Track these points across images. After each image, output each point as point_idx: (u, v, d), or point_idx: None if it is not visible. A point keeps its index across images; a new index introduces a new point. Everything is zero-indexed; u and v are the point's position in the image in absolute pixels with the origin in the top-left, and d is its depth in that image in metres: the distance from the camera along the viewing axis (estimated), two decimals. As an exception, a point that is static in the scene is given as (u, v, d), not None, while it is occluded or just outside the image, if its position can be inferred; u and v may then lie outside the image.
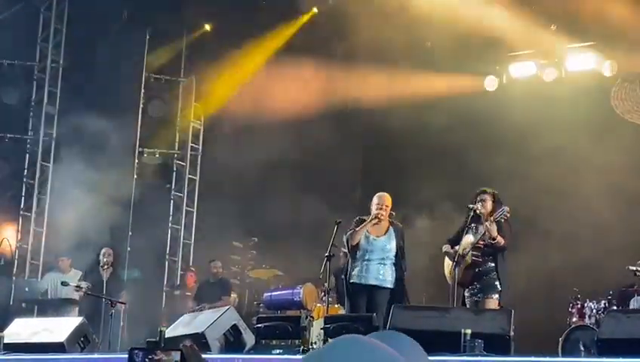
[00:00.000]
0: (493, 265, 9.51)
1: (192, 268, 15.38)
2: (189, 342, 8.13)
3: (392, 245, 9.82)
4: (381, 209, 9.80)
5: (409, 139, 14.46)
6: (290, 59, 14.56)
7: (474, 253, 9.49)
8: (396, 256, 9.81)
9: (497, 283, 9.48)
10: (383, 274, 9.74)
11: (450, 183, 13.33)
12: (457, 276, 9.44)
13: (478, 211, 9.58)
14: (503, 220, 9.44)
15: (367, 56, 14.19)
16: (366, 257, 9.79)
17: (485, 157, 13.35)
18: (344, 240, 9.94)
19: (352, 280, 9.81)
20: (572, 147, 13.05)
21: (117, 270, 12.77)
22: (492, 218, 9.46)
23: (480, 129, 13.90)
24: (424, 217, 12.90)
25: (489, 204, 9.62)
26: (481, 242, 9.48)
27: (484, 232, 9.42)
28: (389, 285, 9.73)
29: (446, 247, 9.78)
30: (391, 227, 9.91)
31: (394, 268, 9.78)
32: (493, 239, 9.40)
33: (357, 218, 10.00)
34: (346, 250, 10.03)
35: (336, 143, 14.48)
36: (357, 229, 9.79)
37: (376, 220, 9.75)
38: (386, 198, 9.91)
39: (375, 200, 9.92)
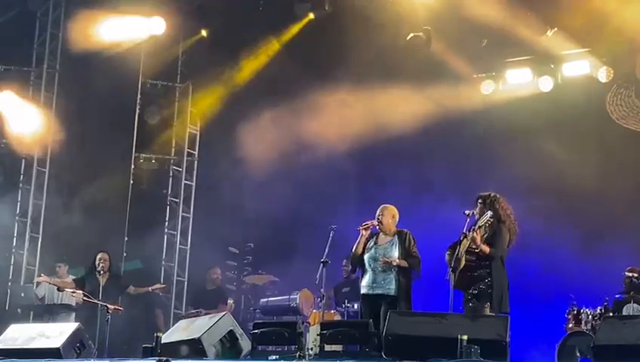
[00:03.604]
0: (488, 271, 9.41)
1: None
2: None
3: (395, 253, 9.77)
4: (379, 223, 9.90)
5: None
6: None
7: (468, 257, 9.45)
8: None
9: (491, 290, 9.36)
10: (389, 283, 9.71)
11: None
12: (454, 280, 9.41)
13: (477, 217, 9.54)
14: (489, 226, 9.39)
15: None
16: (372, 266, 9.82)
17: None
18: (351, 254, 10.07)
19: (362, 291, 9.88)
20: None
21: (113, 275, 12.73)
22: (476, 225, 9.44)
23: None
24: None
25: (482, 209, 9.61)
26: (474, 246, 9.45)
27: (471, 238, 9.39)
28: (394, 293, 9.66)
29: (447, 254, 9.76)
30: (396, 235, 9.90)
31: (398, 276, 9.71)
32: (477, 247, 9.35)
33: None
34: (349, 267, 10.07)
35: (338, 148, 14.42)
36: (352, 251, 9.92)
37: (363, 238, 9.84)
38: (381, 210, 9.94)
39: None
